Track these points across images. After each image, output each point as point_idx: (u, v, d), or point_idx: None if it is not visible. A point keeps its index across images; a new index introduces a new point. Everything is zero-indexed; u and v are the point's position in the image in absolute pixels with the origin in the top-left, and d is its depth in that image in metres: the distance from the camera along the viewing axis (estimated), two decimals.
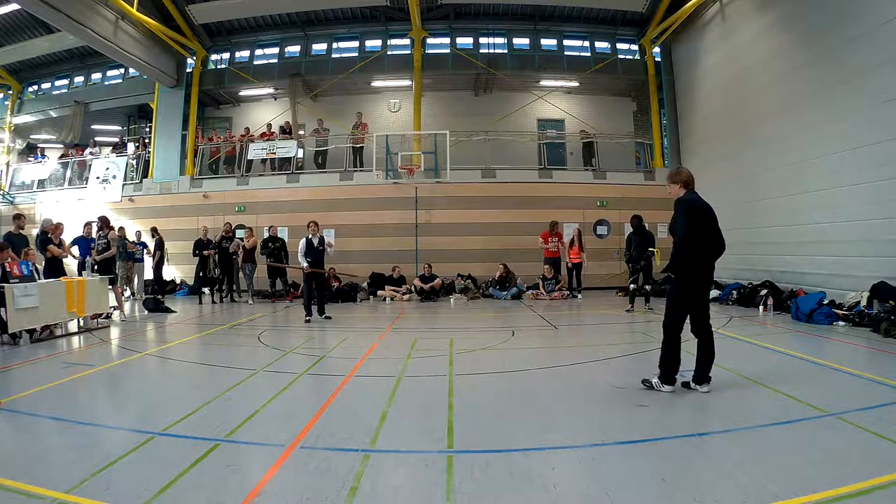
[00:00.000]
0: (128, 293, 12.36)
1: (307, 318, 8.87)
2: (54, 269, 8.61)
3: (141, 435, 3.47)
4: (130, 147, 16.91)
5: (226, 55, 16.61)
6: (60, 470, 2.91)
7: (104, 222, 10.48)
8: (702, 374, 4.29)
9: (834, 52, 8.74)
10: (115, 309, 9.45)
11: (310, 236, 8.91)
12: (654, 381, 4.35)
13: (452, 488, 2.68)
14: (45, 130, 18.05)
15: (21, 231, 8.51)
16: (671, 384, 4.29)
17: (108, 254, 10.07)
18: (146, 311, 10.38)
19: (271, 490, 2.68)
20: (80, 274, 9.42)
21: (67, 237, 9.86)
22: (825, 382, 4.66)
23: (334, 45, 16.40)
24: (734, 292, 10.49)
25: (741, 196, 11.39)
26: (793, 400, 4.00)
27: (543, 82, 16.09)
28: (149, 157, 15.76)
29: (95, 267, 9.95)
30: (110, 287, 9.81)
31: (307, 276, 8.93)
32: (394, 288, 12.58)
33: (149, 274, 13.15)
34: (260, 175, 15.03)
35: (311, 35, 16.37)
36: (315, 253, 8.89)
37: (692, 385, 4.31)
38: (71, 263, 10.38)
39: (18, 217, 8.67)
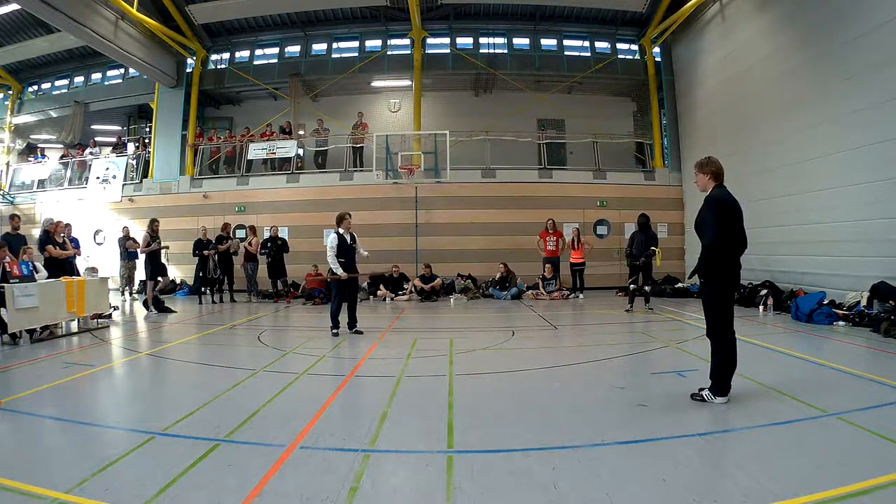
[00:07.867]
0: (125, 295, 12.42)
1: (335, 330, 7.39)
2: (57, 268, 8.60)
3: (141, 435, 3.47)
4: (130, 147, 16.88)
5: (226, 55, 16.58)
6: (60, 470, 2.91)
7: (125, 233, 11.02)
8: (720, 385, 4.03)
9: (834, 52, 8.73)
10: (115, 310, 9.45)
11: (341, 231, 7.36)
12: (705, 393, 4.01)
13: (452, 488, 2.68)
14: (45, 130, 18.00)
15: (18, 231, 8.52)
16: (725, 395, 3.97)
17: (155, 247, 10.22)
18: (146, 311, 10.37)
19: (271, 490, 2.68)
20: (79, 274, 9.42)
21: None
22: (825, 382, 4.66)
23: (334, 45, 16.38)
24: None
25: (741, 196, 10.96)
26: (793, 400, 4.00)
27: (543, 82, 16.06)
28: (149, 157, 15.75)
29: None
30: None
31: (340, 280, 7.40)
32: (388, 288, 12.44)
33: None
34: (260, 175, 15.03)
35: (310, 35, 16.36)
36: (349, 252, 7.37)
37: (706, 396, 3.99)
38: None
39: (14, 217, 8.70)
